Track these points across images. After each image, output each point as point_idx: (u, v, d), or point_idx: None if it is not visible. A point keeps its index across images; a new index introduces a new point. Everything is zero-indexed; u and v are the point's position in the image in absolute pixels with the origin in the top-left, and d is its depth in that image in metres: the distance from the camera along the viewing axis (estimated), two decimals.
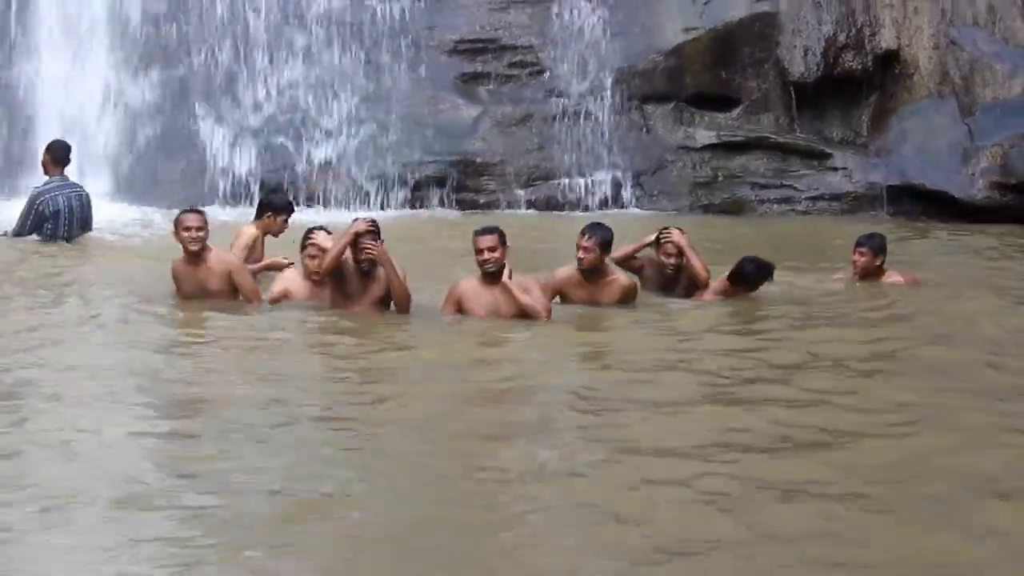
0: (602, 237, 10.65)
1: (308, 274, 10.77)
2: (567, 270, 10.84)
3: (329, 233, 10.80)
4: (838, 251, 14.14)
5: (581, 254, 10.67)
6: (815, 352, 9.44)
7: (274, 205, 12.20)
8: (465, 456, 6.99)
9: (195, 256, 10.72)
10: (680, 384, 8.49)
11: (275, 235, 12.15)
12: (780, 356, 9.32)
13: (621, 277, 10.85)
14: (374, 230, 10.23)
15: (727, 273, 11.25)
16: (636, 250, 11.44)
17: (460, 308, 10.26)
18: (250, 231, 12.10)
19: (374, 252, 10.15)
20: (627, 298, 10.74)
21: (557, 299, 10.81)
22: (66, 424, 7.37)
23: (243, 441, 7.14)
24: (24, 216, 13.87)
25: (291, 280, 10.87)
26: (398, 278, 10.21)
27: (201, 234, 10.67)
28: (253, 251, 11.93)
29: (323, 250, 10.50)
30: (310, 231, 10.86)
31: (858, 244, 12.29)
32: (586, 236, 10.67)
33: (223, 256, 10.87)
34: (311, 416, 7.68)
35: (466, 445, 7.21)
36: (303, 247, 10.84)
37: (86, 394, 8.03)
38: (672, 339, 9.87)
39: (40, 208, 13.82)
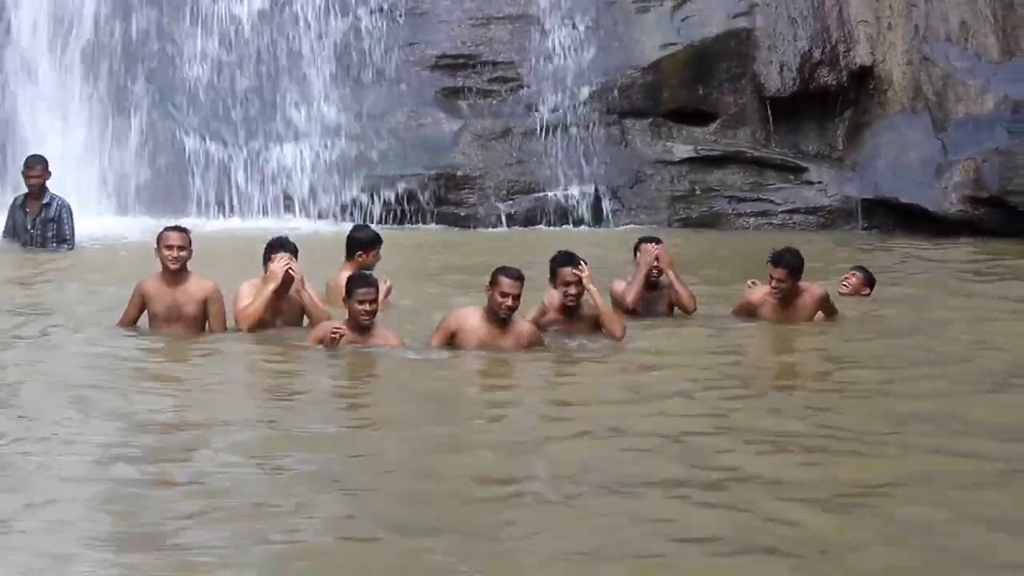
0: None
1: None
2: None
3: (293, 250, 10.37)
4: (815, 263, 14.25)
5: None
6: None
7: (363, 242, 11.63)
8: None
9: (174, 276, 10.22)
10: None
11: (370, 269, 11.46)
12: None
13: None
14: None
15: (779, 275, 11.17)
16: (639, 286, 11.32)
17: (453, 340, 9.87)
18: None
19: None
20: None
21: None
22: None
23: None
24: (72, 227, 14.65)
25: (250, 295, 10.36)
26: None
27: (183, 253, 10.20)
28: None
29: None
30: (271, 246, 10.42)
31: (854, 268, 13.00)
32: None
33: (202, 281, 10.30)
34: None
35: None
36: (265, 262, 10.35)
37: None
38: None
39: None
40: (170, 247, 10.18)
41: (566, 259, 10.34)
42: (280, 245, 10.39)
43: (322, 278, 11.23)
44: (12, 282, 12.78)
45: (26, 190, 14.69)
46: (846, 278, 12.85)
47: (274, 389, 9.03)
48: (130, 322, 10.36)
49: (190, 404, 8.47)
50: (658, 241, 11.62)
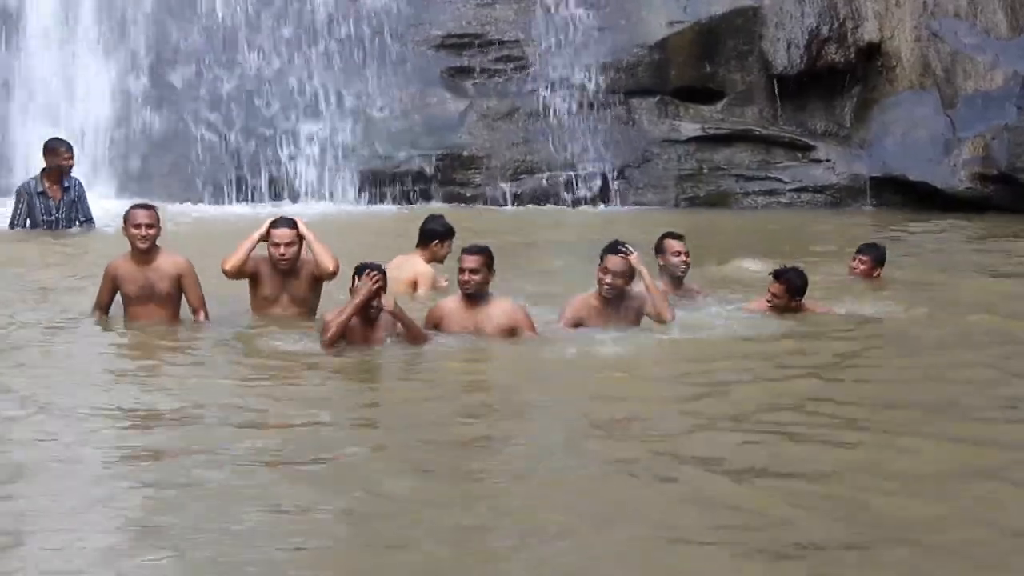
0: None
1: (274, 266, 10.09)
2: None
3: (292, 227, 10.04)
4: (824, 243, 14.22)
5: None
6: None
7: (438, 233, 11.46)
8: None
9: (143, 255, 9.92)
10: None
11: (441, 261, 11.47)
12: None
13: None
14: (381, 284, 9.36)
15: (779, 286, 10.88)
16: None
17: (438, 328, 9.71)
18: (425, 268, 11.39)
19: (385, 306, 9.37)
20: None
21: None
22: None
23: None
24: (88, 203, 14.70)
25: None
26: (415, 326, 9.52)
27: (152, 231, 9.88)
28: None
29: (288, 244, 9.93)
30: (274, 223, 10.13)
31: (859, 251, 12.50)
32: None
33: (174, 257, 10.01)
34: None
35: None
36: (267, 238, 10.09)
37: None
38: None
39: None
40: (138, 225, 9.89)
41: (610, 247, 9.99)
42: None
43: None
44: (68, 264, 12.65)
45: (31, 175, 14.60)
46: (854, 263, 12.46)
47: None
48: (103, 307, 10.08)
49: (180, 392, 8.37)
50: (680, 237, 11.21)
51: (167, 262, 9.94)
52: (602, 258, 9.99)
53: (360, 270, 9.35)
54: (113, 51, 18.40)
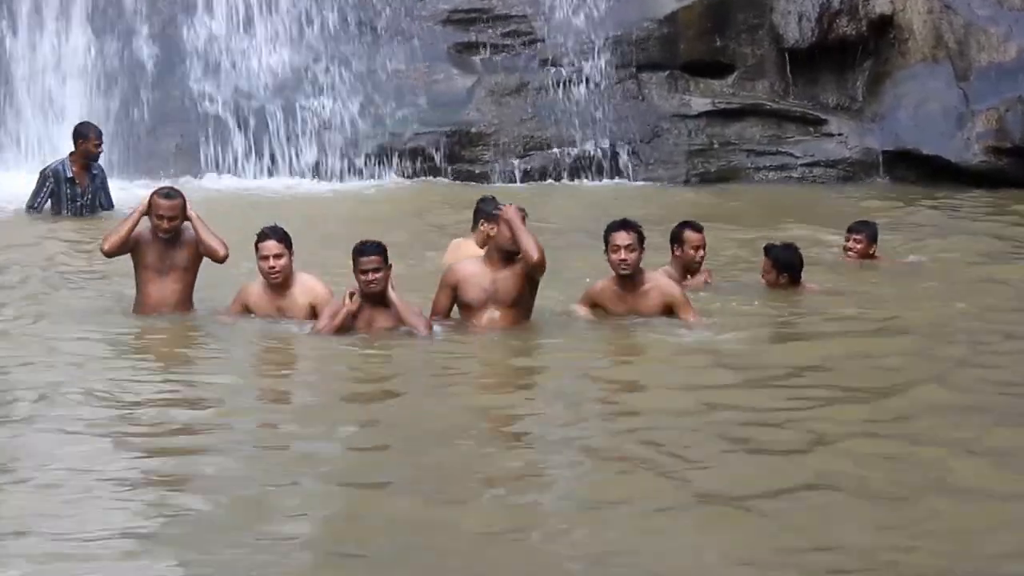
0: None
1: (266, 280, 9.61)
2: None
3: (281, 241, 9.47)
4: (836, 219, 14.05)
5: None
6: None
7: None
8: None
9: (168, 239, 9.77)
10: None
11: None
12: None
13: None
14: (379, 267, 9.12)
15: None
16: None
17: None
18: (474, 249, 11.02)
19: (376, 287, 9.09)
20: None
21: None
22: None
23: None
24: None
25: (250, 292, 9.66)
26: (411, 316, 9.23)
27: (175, 223, 9.73)
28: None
29: (278, 256, 9.38)
30: (260, 237, 9.58)
31: (852, 231, 12.15)
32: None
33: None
34: None
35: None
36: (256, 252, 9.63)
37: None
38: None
39: None
40: (161, 217, 9.74)
41: (612, 225, 9.76)
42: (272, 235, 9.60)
43: (343, 242, 10.63)
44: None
45: (52, 160, 14.41)
46: (849, 243, 12.09)
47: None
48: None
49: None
50: (700, 229, 10.96)
51: (187, 238, 9.81)
52: (607, 239, 9.77)
53: (359, 251, 9.14)
54: (110, 24, 18.20)
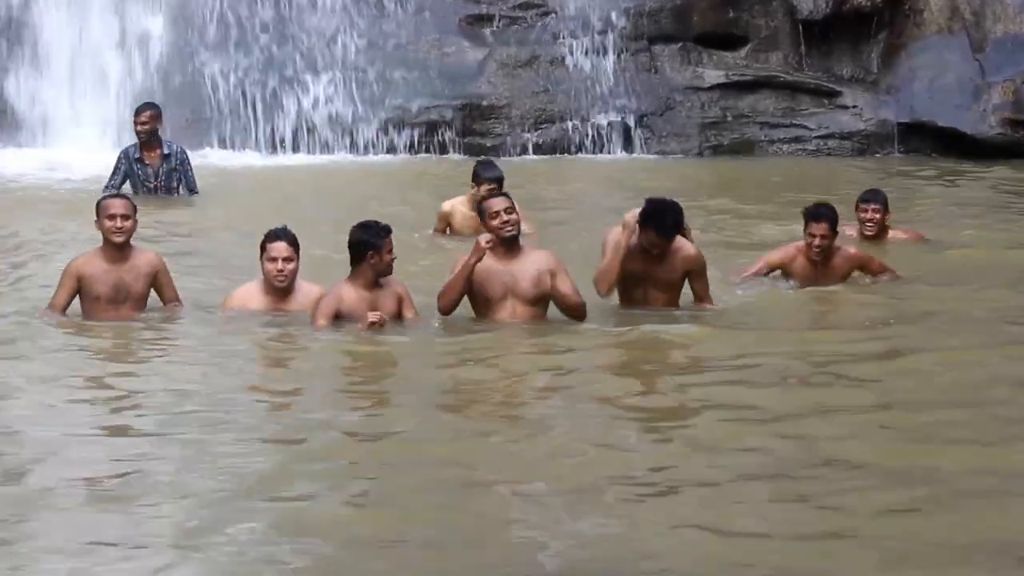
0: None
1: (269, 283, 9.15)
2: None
3: (291, 244, 9.05)
4: (852, 192, 13.90)
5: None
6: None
7: (478, 175, 11.37)
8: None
9: (117, 251, 9.07)
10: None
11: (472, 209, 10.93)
12: None
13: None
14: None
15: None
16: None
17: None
18: (466, 209, 11.40)
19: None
20: None
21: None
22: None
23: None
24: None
25: (249, 293, 9.25)
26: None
27: (128, 224, 9.02)
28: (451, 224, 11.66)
29: (287, 260, 8.94)
30: (270, 237, 9.10)
31: (866, 201, 11.50)
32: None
33: (147, 254, 9.22)
34: None
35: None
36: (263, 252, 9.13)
37: None
38: None
39: None
40: (112, 216, 9.00)
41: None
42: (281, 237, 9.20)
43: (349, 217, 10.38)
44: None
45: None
46: (867, 214, 11.40)
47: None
48: (61, 308, 9.05)
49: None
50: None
51: (141, 259, 9.14)
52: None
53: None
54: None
